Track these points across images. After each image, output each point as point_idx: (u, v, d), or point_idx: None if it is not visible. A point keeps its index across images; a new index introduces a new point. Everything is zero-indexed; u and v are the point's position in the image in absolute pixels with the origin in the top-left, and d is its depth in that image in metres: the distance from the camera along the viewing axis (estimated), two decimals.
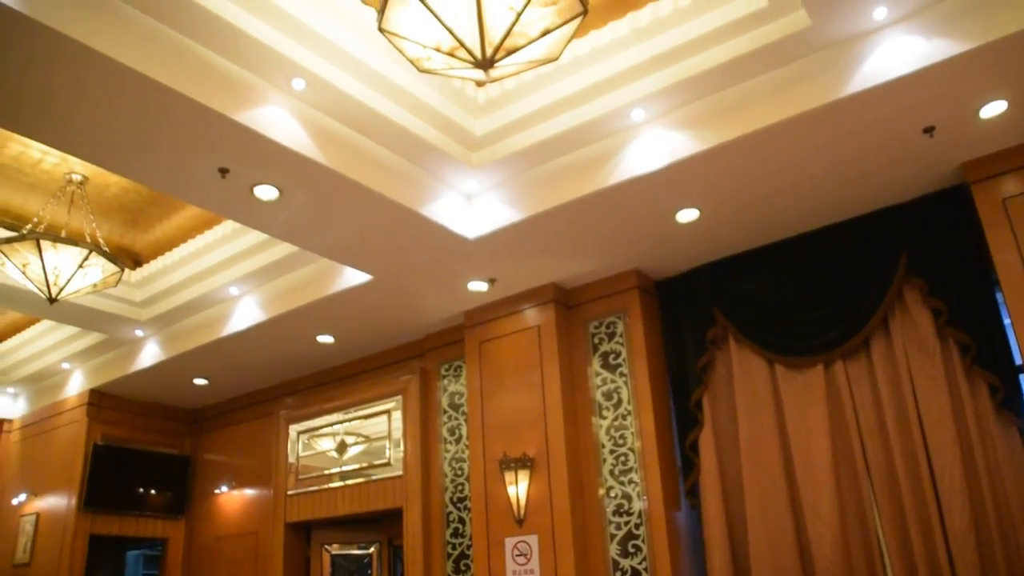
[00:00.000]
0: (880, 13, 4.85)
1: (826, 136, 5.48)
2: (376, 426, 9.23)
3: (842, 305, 6.55)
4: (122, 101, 4.84)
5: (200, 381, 10.46)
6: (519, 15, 3.71)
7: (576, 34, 4.16)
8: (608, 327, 7.55)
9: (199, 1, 4.60)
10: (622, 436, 7.14)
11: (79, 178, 7.29)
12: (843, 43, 5.09)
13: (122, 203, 7.85)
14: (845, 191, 6.24)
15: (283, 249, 7.72)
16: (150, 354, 9.71)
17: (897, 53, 4.94)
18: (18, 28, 4.22)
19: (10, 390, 11.74)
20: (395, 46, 4.04)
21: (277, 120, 5.26)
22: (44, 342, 10.65)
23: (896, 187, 6.21)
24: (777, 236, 6.96)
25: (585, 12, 3.93)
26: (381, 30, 3.96)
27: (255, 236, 7.78)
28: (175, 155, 5.41)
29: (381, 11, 3.90)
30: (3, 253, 6.66)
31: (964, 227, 6.04)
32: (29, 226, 7.44)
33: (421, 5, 3.69)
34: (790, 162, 5.78)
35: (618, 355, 7.40)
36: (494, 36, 3.76)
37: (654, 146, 5.77)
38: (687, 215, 6.46)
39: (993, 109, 5.26)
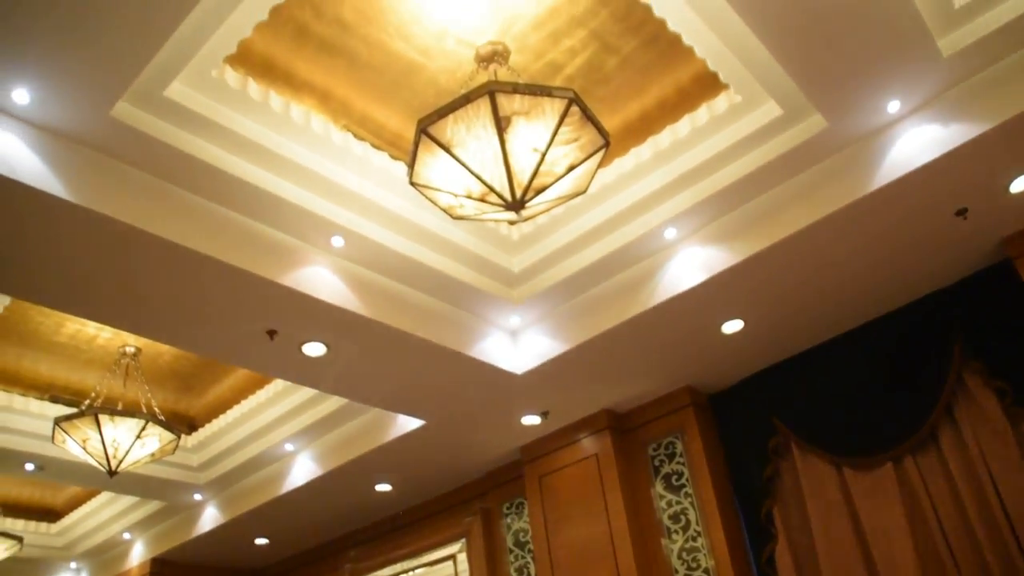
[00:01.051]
0: (894, 106, 4.92)
1: (859, 232, 5.48)
2: (443, 571, 9.04)
3: (902, 398, 6.37)
4: (171, 275, 5.04)
5: (261, 541, 10.36)
6: (544, 155, 3.84)
7: (601, 165, 4.28)
8: (667, 448, 7.43)
9: (237, 174, 4.83)
10: (695, 558, 6.92)
11: (132, 350, 7.47)
12: (862, 140, 5.16)
13: (175, 370, 8.00)
14: (888, 282, 6.19)
15: (335, 402, 7.77)
16: (210, 518, 9.68)
17: (916, 143, 4.98)
18: (72, 217, 4.48)
19: (72, 565, 11.70)
20: (427, 197, 4.18)
21: (320, 279, 5.41)
22: (104, 514, 10.65)
23: (939, 271, 6.15)
24: (826, 336, 6.88)
25: (607, 144, 4.05)
26: (413, 184, 4.10)
27: (307, 391, 7.85)
28: (223, 322, 5.58)
29: (411, 165, 4.05)
30: (64, 431, 6.78)
31: (1014, 302, 5.92)
32: (88, 401, 7.59)
33: (449, 157, 3.83)
34: (826, 262, 5.77)
35: (680, 475, 7.25)
36: (522, 178, 3.88)
37: (690, 263, 5.81)
38: (732, 326, 6.43)
39: (1023, 183, 5.24)
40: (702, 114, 5.26)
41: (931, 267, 6.08)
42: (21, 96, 4.15)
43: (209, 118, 4.61)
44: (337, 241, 5.39)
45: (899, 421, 6.35)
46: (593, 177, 4.25)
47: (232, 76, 4.63)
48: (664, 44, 4.87)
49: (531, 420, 7.62)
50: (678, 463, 7.31)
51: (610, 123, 5.35)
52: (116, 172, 4.65)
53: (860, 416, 6.61)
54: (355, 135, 5.21)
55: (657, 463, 7.46)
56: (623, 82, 5.15)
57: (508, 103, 3.69)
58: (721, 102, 5.17)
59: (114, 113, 4.33)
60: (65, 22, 3.78)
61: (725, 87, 5.07)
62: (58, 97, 4.19)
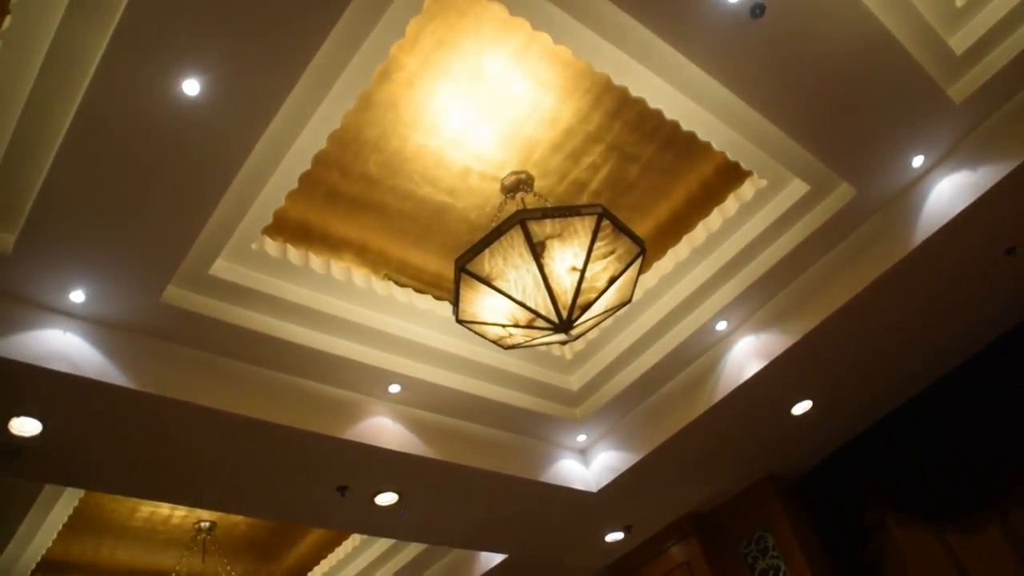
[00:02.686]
0: (918, 161, 4.92)
1: (910, 291, 5.41)
2: None
3: (995, 448, 6.14)
4: (236, 446, 5.10)
5: None
6: (583, 273, 3.87)
7: (641, 271, 4.31)
8: (758, 543, 7.19)
9: (288, 338, 4.93)
10: None
11: (208, 524, 7.46)
12: (894, 199, 5.15)
13: (251, 539, 7.96)
14: (952, 335, 6.08)
15: (415, 548, 7.65)
16: None
17: (949, 192, 4.96)
18: (134, 403, 4.59)
19: None
20: (476, 332, 4.22)
21: (382, 428, 5.43)
22: None
23: (1002, 313, 6.03)
24: (901, 399, 6.72)
25: (644, 251, 4.09)
26: (460, 321, 4.15)
27: (385, 540, 7.75)
28: (293, 485, 5.59)
29: (456, 304, 4.11)
30: None
31: None
32: None
33: (491, 290, 3.88)
34: (883, 327, 5.69)
35: (777, 570, 6.98)
36: (566, 298, 3.91)
37: (747, 352, 5.76)
38: (801, 407, 6.33)
39: None
40: (731, 204, 5.30)
41: (992, 311, 5.96)
42: (78, 296, 4.34)
43: (255, 289, 4.75)
44: (394, 388, 5.43)
45: (998, 473, 6.09)
46: (635, 285, 4.28)
47: (271, 245, 4.78)
48: (681, 143, 4.96)
49: (615, 536, 7.43)
50: (772, 557, 7.05)
51: (642, 228, 5.41)
52: (172, 354, 4.77)
53: (954, 475, 6.36)
54: (397, 283, 5.32)
55: (751, 560, 7.20)
56: (648, 186, 5.23)
57: (540, 229, 3.77)
58: (747, 189, 5.21)
59: (164, 299, 4.49)
60: (111, 224, 4.00)
61: (749, 174, 5.12)
62: (111, 292, 4.37)
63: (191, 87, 3.55)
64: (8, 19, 3.52)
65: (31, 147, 3.79)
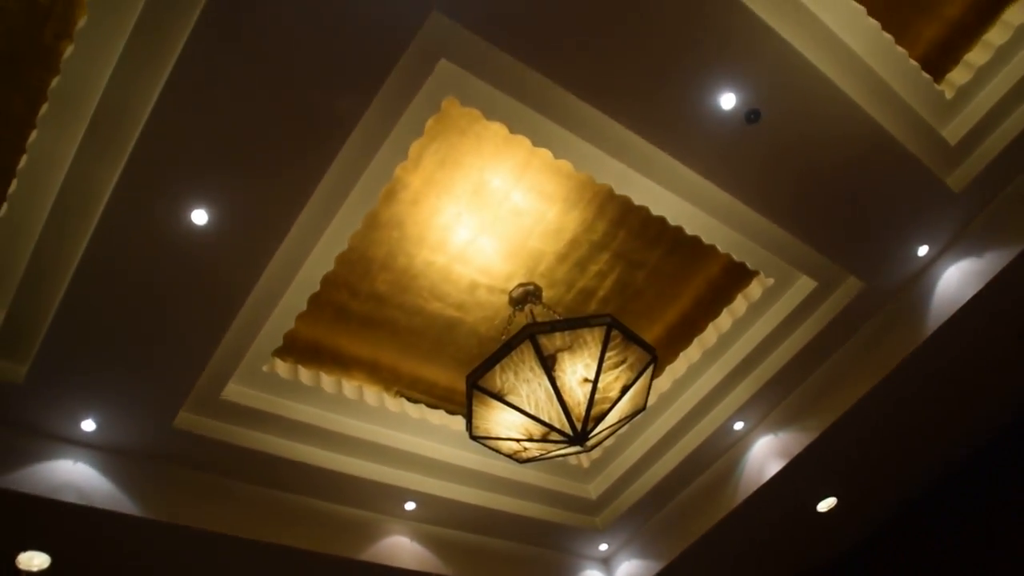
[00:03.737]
0: (923, 251, 4.95)
1: (926, 379, 5.37)
2: None
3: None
4: (252, 570, 5.01)
5: None
6: (596, 383, 3.85)
7: (654, 376, 4.28)
8: None
9: (301, 459, 4.90)
10: None
11: None
12: (902, 289, 5.16)
13: None
14: (976, 415, 6.02)
15: None
16: None
17: (956, 279, 4.98)
18: (148, 531, 4.54)
19: None
20: (491, 447, 4.17)
21: (399, 547, 5.33)
22: None
23: (1020, 392, 5.97)
24: (928, 487, 6.61)
25: (655, 358, 4.06)
26: (474, 438, 4.11)
27: None
28: None
29: (469, 420, 4.08)
30: None
31: None
32: None
33: (504, 405, 3.86)
34: (903, 417, 5.64)
35: None
36: (579, 410, 3.88)
37: (766, 451, 5.68)
38: (826, 504, 6.23)
39: None
40: (740, 304, 5.30)
41: (1011, 392, 5.90)
42: (89, 425, 4.35)
43: (266, 411, 4.73)
44: (410, 505, 5.35)
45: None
46: (649, 392, 4.24)
47: (282, 366, 4.79)
48: (686, 247, 4.99)
49: None
50: None
51: (652, 333, 5.40)
52: (184, 479, 4.73)
53: (981, 562, 6.19)
54: (409, 399, 5.31)
55: None
56: (656, 291, 5.24)
57: (550, 342, 3.76)
58: (755, 288, 5.22)
59: (176, 424, 4.50)
60: (122, 352, 4.04)
61: (756, 273, 5.15)
62: (123, 420, 4.38)
63: (199, 217, 3.62)
64: (24, 158, 3.60)
65: (43, 278, 3.86)
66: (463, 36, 3.38)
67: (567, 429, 3.91)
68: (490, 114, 3.77)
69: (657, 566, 6.19)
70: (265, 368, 4.63)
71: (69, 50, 3.35)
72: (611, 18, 3.36)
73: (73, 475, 4.34)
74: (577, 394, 3.86)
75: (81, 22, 3.30)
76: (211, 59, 3.18)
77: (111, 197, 3.52)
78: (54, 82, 3.43)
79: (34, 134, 3.55)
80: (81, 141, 3.50)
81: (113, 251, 3.68)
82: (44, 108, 3.50)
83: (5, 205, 3.73)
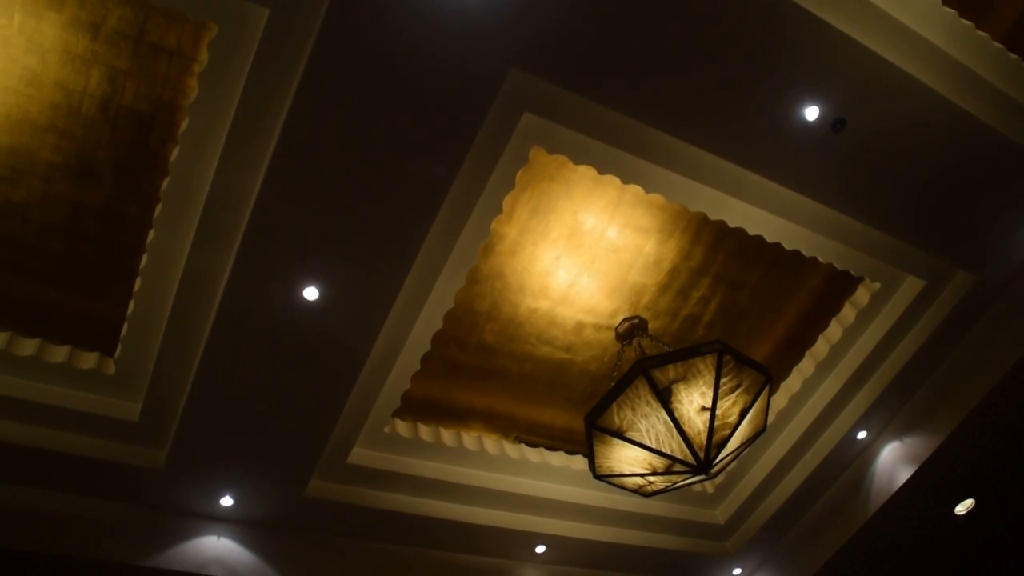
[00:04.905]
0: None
1: None
2: None
3: None
4: None
5: None
6: (714, 411, 3.85)
7: (770, 395, 4.25)
8: None
9: (429, 514, 5.01)
10: None
11: None
12: (1018, 276, 5.00)
13: None
14: None
15: None
16: None
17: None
18: None
19: None
20: (615, 485, 4.20)
21: None
22: None
23: None
24: None
25: (769, 379, 4.04)
26: (597, 477, 4.14)
27: None
28: None
29: (591, 460, 4.12)
30: None
31: None
32: None
33: (624, 442, 3.89)
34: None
35: None
36: (701, 439, 3.88)
37: (894, 458, 5.58)
38: (964, 506, 6.03)
39: None
40: (848, 312, 5.22)
41: None
42: (227, 501, 4.56)
43: (392, 471, 4.86)
44: (540, 549, 5.40)
45: None
46: (767, 412, 4.21)
47: (402, 426, 4.91)
48: (786, 262, 4.97)
49: None
50: None
51: (762, 352, 5.37)
52: (319, 545, 4.90)
53: None
54: (528, 443, 5.36)
55: None
56: (761, 310, 5.21)
57: (663, 375, 3.78)
58: (862, 294, 5.14)
59: (308, 492, 4.66)
60: (252, 429, 4.26)
61: (861, 279, 5.07)
62: (259, 493, 4.59)
63: (311, 293, 3.78)
64: (144, 257, 3.83)
65: (173, 368, 4.09)
66: (543, 88, 3.48)
67: (690, 459, 3.91)
68: (577, 158, 3.84)
69: None
70: (387, 429, 4.76)
71: (175, 153, 3.57)
72: (685, 49, 3.41)
73: (218, 550, 4.54)
74: (696, 423, 3.86)
75: (183, 125, 3.51)
76: (305, 146, 3.36)
77: (227, 284, 3.73)
78: (164, 184, 3.65)
79: (151, 234, 3.77)
80: (194, 235, 3.71)
81: (234, 335, 3.88)
82: (158, 209, 3.72)
83: (132, 303, 3.96)
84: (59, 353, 4.14)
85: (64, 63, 3.47)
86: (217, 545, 4.56)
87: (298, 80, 3.21)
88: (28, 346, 4.09)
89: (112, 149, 3.72)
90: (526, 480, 5.27)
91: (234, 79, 3.35)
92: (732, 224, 4.32)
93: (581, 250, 4.55)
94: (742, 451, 4.20)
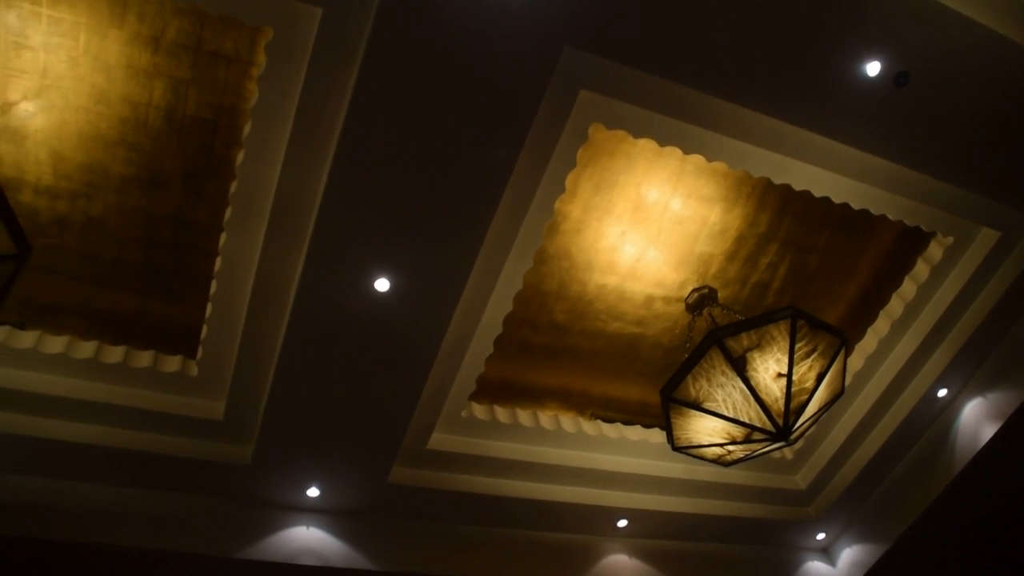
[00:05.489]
0: None
1: None
2: None
3: None
4: None
5: None
6: (790, 377, 3.82)
7: (846, 358, 4.20)
8: None
9: (510, 494, 5.07)
10: None
11: None
12: None
13: None
14: None
15: None
16: None
17: None
18: None
19: None
20: (694, 456, 4.20)
21: (618, 565, 5.41)
22: None
23: None
24: None
25: (845, 341, 3.99)
26: (676, 449, 4.15)
27: None
28: None
29: (669, 433, 4.13)
30: None
31: None
32: None
33: (702, 412, 3.88)
34: None
35: None
36: (779, 406, 3.86)
37: (977, 414, 5.46)
38: None
39: None
40: (921, 269, 5.11)
41: None
42: (313, 492, 4.68)
43: (471, 454, 4.93)
44: (622, 523, 5.42)
45: None
46: (844, 374, 4.16)
47: (479, 409, 4.97)
48: (855, 222, 4.90)
49: None
50: None
51: (835, 313, 5.30)
52: (403, 530, 4.98)
53: None
54: (604, 419, 5.38)
55: None
56: (831, 272, 5.15)
57: (737, 344, 3.77)
58: (935, 250, 5.02)
59: (391, 479, 4.74)
60: (334, 421, 4.38)
61: (932, 234, 4.97)
62: (344, 483, 4.70)
63: (382, 284, 3.84)
64: (219, 260, 3.93)
65: (254, 365, 4.21)
66: (598, 63, 3.47)
67: (769, 427, 3.89)
68: (637, 132, 3.84)
69: (881, 548, 5.99)
70: (464, 413, 4.82)
71: (240, 156, 3.65)
72: (739, 13, 3.37)
73: (308, 540, 4.66)
74: (773, 390, 3.83)
75: (246, 129, 3.59)
76: (367, 140, 3.42)
77: (300, 281, 3.81)
78: (232, 187, 3.74)
79: (223, 237, 3.87)
80: (265, 235, 3.80)
81: (309, 330, 3.97)
82: (228, 212, 3.82)
83: (209, 306, 4.07)
84: (144, 358, 4.29)
85: (129, 78, 3.57)
86: (307, 535, 4.68)
87: (356, 75, 3.26)
88: (115, 353, 4.25)
89: (180, 157, 3.82)
90: (604, 456, 5.30)
91: (293, 79, 3.42)
92: (797, 187, 4.27)
93: (646, 223, 4.54)
94: (820, 415, 4.16)
